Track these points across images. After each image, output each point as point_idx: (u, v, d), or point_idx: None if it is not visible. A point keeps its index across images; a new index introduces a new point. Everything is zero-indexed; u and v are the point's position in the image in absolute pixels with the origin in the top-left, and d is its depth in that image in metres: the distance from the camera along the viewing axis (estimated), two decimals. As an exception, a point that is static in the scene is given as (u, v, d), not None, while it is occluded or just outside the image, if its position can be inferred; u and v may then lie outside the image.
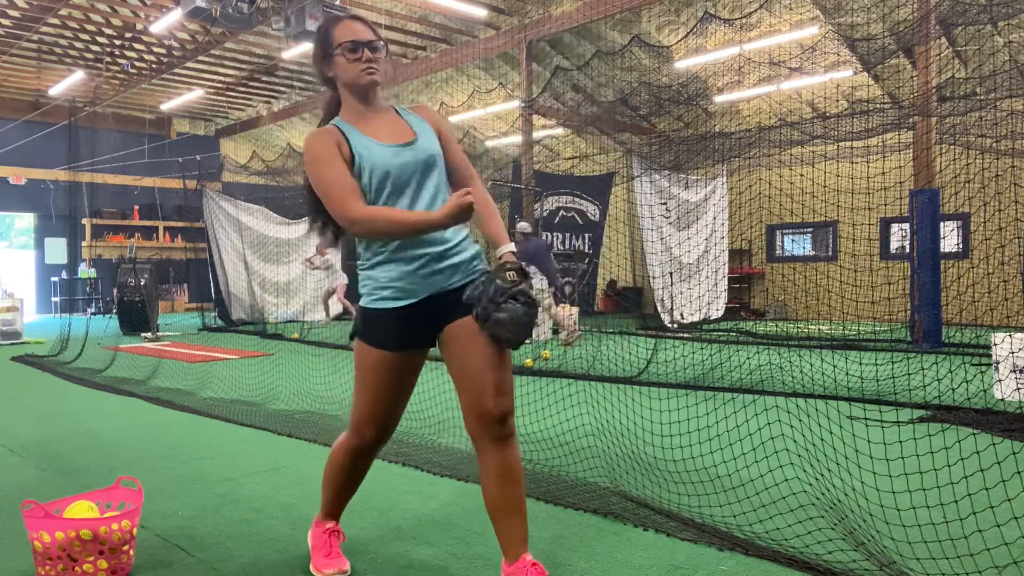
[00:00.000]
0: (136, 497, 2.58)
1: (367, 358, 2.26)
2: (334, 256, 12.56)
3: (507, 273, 2.13)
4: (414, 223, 2.11)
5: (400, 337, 2.23)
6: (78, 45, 14.29)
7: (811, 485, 3.22)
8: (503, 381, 2.18)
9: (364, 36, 2.20)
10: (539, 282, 10.43)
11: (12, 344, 10.57)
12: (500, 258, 2.21)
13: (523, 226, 10.91)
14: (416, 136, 2.26)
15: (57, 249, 17.97)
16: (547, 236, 13.90)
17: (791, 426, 3.82)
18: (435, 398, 4.92)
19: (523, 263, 2.23)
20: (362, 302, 2.28)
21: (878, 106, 11.18)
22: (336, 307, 13.18)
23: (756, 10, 10.57)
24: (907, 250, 10.18)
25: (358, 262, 2.30)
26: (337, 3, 10.17)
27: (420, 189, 2.22)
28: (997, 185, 10.49)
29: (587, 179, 14.97)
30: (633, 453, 3.89)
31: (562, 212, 14.42)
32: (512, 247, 2.23)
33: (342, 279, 12.61)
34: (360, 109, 2.26)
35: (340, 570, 2.42)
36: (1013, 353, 5.53)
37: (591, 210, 14.94)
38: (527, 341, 2.19)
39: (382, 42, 2.25)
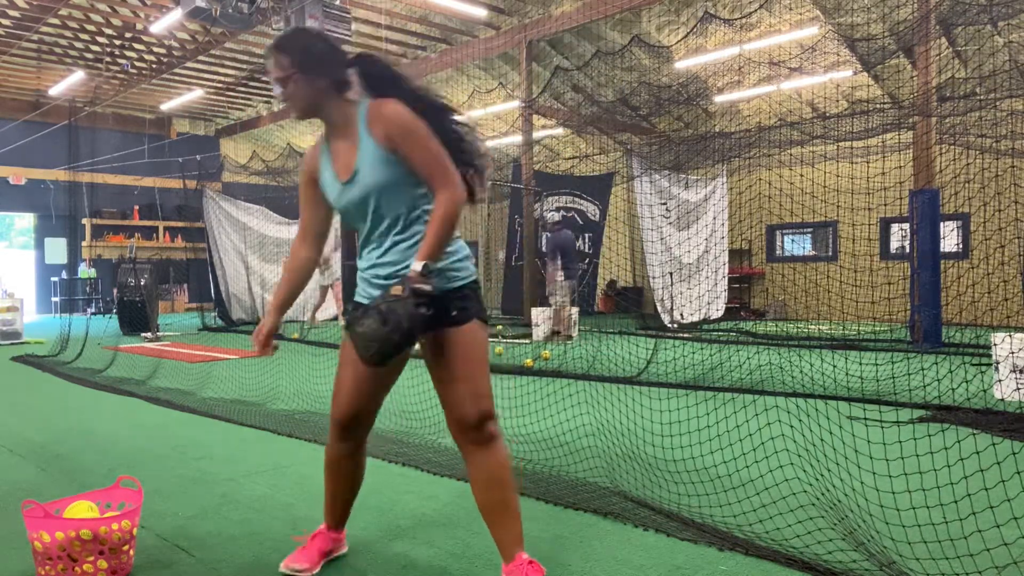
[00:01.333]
0: (136, 497, 2.58)
1: (344, 347, 2.37)
2: (334, 256, 12.57)
3: (393, 287, 2.08)
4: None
5: None
6: (78, 45, 14.29)
7: (811, 485, 3.22)
8: (477, 386, 2.20)
9: (271, 76, 2.22)
10: (560, 276, 10.54)
11: (12, 344, 10.56)
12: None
13: (554, 216, 11.13)
14: (356, 170, 2.19)
15: (57, 249, 17.96)
16: (547, 236, 13.92)
17: (791, 426, 3.82)
18: (435, 398, 4.91)
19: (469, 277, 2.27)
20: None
21: (878, 106, 11.18)
22: (332, 308, 13.18)
23: (756, 10, 10.57)
24: (907, 250, 10.18)
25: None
26: (337, 3, 10.18)
27: (374, 223, 2.25)
28: (997, 185, 10.48)
29: (587, 179, 14.98)
30: (633, 453, 3.89)
31: (562, 212, 14.42)
32: (419, 266, 2.07)
33: (337, 278, 12.62)
34: (327, 130, 2.32)
35: (293, 567, 2.43)
36: (1013, 353, 5.53)
37: (591, 210, 14.95)
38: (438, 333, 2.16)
39: (284, 75, 2.16)
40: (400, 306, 2.00)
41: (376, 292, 2.24)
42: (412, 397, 4.82)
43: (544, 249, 10.85)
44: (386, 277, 2.24)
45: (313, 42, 2.21)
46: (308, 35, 2.27)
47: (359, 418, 2.41)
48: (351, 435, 2.44)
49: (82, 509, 2.46)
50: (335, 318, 13.49)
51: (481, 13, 12.70)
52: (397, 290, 2.04)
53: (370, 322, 2.03)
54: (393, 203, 2.20)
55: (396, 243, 2.23)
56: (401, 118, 2.13)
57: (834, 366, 7.07)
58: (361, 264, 2.32)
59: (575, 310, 11.22)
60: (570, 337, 10.50)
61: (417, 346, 2.24)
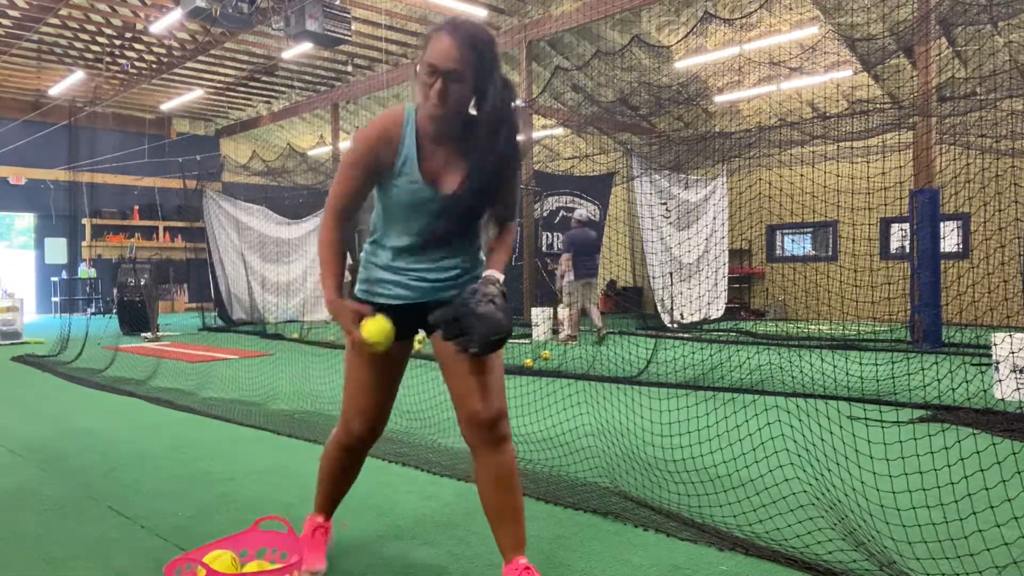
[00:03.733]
0: (285, 542, 2.35)
1: (358, 365, 2.28)
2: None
3: (489, 286, 2.09)
4: (323, 278, 2.16)
5: None
6: (78, 45, 14.29)
7: (811, 485, 3.21)
8: (492, 383, 2.18)
9: (445, 64, 1.97)
10: (569, 275, 10.31)
11: (12, 344, 10.56)
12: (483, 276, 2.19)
13: (581, 213, 10.84)
14: (465, 186, 2.12)
15: (57, 249, 17.97)
16: (547, 236, 13.90)
17: (791, 426, 3.82)
18: (435, 398, 4.92)
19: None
20: (356, 291, 2.28)
21: (878, 106, 11.19)
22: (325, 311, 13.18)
23: (756, 10, 10.57)
24: (907, 250, 10.18)
25: (367, 248, 2.29)
26: (337, 3, 10.17)
27: (447, 225, 2.18)
28: (997, 185, 10.49)
29: (587, 179, 14.97)
30: (633, 453, 3.89)
31: (562, 212, 14.42)
32: (500, 275, 2.16)
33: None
34: (431, 126, 2.11)
35: (310, 569, 2.40)
36: (1013, 353, 5.53)
37: (591, 210, 14.94)
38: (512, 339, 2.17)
39: (467, 70, 1.98)
40: (503, 303, 2.06)
41: (414, 293, 2.21)
42: (412, 397, 4.83)
43: (560, 246, 10.66)
44: (441, 280, 2.22)
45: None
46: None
47: (380, 427, 2.41)
48: (370, 444, 2.42)
49: (225, 562, 2.17)
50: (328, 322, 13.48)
51: (481, 13, 12.70)
52: (493, 287, 2.08)
53: (487, 310, 2.01)
54: (475, 224, 2.26)
55: (454, 254, 2.23)
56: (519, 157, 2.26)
57: (834, 366, 7.07)
58: (396, 263, 2.21)
59: (594, 308, 11.10)
60: (574, 338, 10.30)
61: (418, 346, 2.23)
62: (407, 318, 2.23)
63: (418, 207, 2.15)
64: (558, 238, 14.41)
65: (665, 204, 12.73)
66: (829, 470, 3.36)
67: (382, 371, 2.29)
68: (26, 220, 18.40)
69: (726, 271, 14.06)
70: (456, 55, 1.97)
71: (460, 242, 2.23)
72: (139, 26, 13.23)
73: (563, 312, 10.45)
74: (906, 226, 10.47)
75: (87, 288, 17.58)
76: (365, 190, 2.18)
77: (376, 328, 2.08)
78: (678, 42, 12.07)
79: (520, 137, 2.23)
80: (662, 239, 12.62)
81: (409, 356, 2.37)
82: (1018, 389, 5.47)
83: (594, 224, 14.71)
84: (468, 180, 2.10)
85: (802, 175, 11.59)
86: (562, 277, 10.59)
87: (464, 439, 2.23)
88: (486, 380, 2.16)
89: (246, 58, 15.45)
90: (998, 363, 5.63)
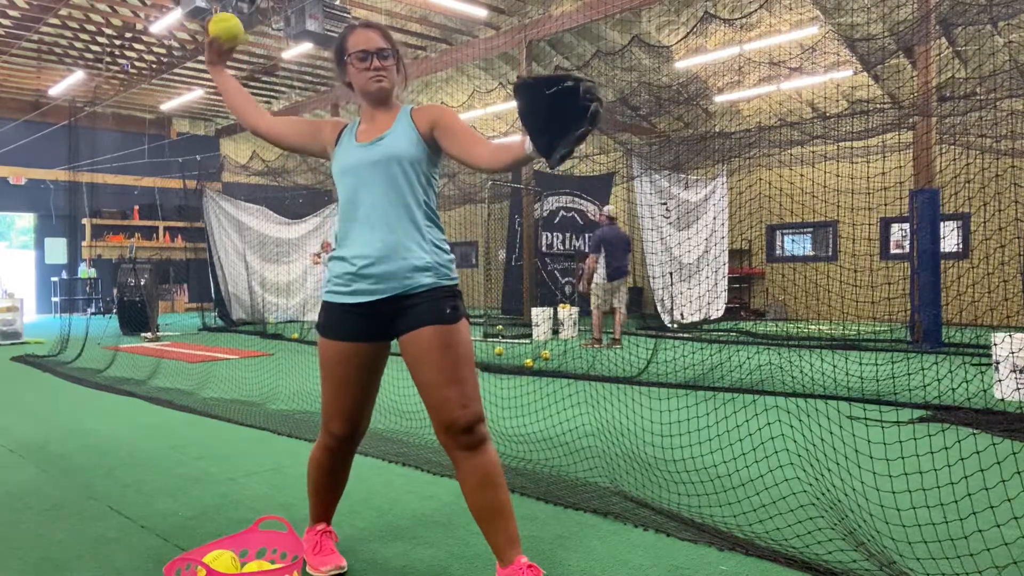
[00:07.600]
0: (286, 542, 2.34)
1: (324, 350, 2.33)
2: None
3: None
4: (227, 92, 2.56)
5: (349, 328, 2.27)
6: (78, 45, 14.29)
7: (811, 485, 3.22)
8: (465, 390, 2.18)
9: (373, 45, 2.30)
10: (599, 276, 9.53)
11: (12, 344, 10.56)
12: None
13: (609, 209, 10.08)
14: (384, 135, 2.28)
15: (57, 249, 17.97)
16: (547, 236, 13.90)
17: (791, 426, 3.82)
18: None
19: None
20: (321, 292, 2.38)
21: (878, 106, 11.19)
22: None
23: (756, 10, 10.57)
24: (907, 250, 10.18)
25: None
26: (337, 3, 10.17)
27: (372, 183, 2.24)
28: (997, 185, 10.50)
29: (587, 179, 14.98)
30: (633, 453, 3.89)
31: (562, 212, 14.43)
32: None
33: None
34: (370, 110, 2.38)
35: (336, 566, 2.44)
36: (1013, 353, 5.53)
37: (591, 210, 14.95)
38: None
39: (392, 49, 2.34)
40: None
41: (369, 286, 2.21)
42: (412, 397, 4.83)
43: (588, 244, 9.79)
44: (374, 263, 2.21)
45: None
46: None
47: (363, 425, 2.43)
48: (354, 443, 2.45)
49: (225, 562, 2.17)
50: None
51: (481, 13, 12.70)
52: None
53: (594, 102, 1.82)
54: (406, 174, 2.24)
55: (394, 230, 2.22)
56: (447, 111, 2.35)
57: (834, 366, 7.07)
58: (345, 251, 2.26)
59: (575, 310, 11.18)
60: (599, 341, 9.64)
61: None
62: (369, 317, 2.25)
63: (345, 166, 2.29)
64: (558, 238, 14.42)
65: (665, 204, 12.73)
66: (829, 470, 3.36)
67: (359, 369, 2.31)
68: (26, 220, 18.40)
69: (726, 271, 14.06)
70: (378, 37, 2.33)
71: (396, 214, 2.22)
72: (139, 26, 13.23)
73: (595, 313, 9.76)
74: (906, 226, 10.47)
75: (87, 288, 17.57)
76: (298, 132, 2.45)
77: (219, 25, 2.43)
78: (678, 42, 12.06)
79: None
80: (662, 239, 12.62)
81: (387, 357, 2.38)
82: (1018, 389, 5.47)
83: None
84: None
85: (802, 175, 11.59)
86: (581, 279, 9.79)
87: (443, 447, 2.24)
88: (459, 388, 2.18)
89: (246, 58, 15.45)
90: (998, 363, 5.63)
